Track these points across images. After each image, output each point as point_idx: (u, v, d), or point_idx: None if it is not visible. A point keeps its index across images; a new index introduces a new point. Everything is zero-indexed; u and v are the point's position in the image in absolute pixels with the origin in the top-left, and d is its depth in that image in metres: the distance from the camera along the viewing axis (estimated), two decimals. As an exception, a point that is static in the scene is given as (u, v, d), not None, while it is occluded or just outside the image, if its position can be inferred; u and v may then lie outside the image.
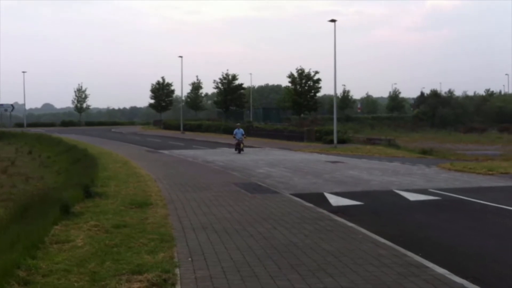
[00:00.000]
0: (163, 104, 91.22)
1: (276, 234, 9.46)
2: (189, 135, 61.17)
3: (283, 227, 10.12)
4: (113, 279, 6.59)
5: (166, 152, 33.54)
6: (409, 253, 8.14)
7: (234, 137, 33.93)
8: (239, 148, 33.33)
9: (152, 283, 6.37)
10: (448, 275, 6.95)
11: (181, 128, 68.23)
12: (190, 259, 7.69)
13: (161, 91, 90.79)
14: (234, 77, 79.06)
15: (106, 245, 8.36)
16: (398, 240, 9.24)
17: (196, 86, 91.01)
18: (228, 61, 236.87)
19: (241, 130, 34.32)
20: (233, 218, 10.98)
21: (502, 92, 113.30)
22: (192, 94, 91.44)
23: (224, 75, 79.27)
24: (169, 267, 7.10)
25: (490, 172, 20.49)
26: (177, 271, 7.02)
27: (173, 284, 6.44)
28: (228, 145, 41.87)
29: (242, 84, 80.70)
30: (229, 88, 77.95)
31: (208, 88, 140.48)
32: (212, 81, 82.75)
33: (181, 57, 69.36)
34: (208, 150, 36.33)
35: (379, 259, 7.74)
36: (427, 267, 7.32)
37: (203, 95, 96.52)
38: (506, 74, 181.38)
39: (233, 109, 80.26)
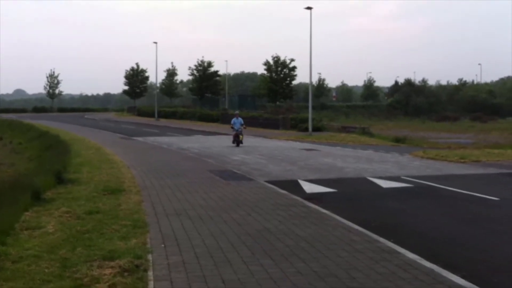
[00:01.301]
0: (138, 90, 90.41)
1: (250, 220, 9.46)
2: (163, 122, 60.76)
3: (257, 213, 10.13)
4: (84, 265, 6.51)
5: (140, 139, 33.26)
6: (381, 239, 8.22)
7: (232, 128, 29.33)
8: (237, 140, 28.67)
9: (124, 269, 6.31)
10: (419, 260, 7.05)
11: (156, 115, 67.72)
12: (163, 245, 7.65)
13: (136, 77, 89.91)
14: (210, 64, 78.71)
15: (78, 231, 8.26)
16: (371, 226, 9.33)
17: (171, 73, 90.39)
18: (203, 48, 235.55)
19: (240, 120, 29.37)
20: (207, 205, 10.95)
21: (475, 82, 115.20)
22: (167, 81, 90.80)
23: (200, 62, 78.91)
24: (142, 253, 7.05)
25: (462, 160, 20.82)
26: (149, 257, 6.97)
27: (146, 270, 6.39)
28: (203, 133, 41.81)
29: (217, 71, 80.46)
30: (205, 75, 77.59)
31: (184, 75, 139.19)
32: (187, 67, 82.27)
33: (155, 43, 68.68)
34: (183, 137, 36.15)
35: (351, 244, 7.81)
36: (399, 253, 7.41)
37: (178, 82, 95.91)
38: (479, 64, 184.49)
39: (208, 96, 79.96)
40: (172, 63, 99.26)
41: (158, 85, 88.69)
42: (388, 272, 6.49)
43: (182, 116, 65.10)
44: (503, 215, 11.05)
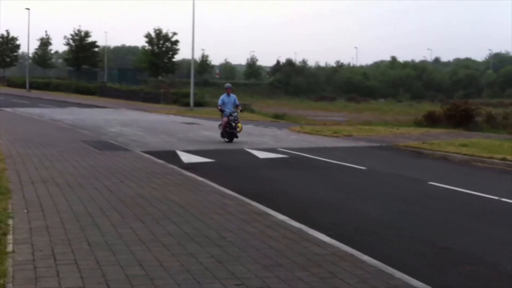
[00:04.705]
0: (7, 60, 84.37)
1: (123, 188, 9.17)
2: (35, 93, 57.27)
3: (131, 181, 9.86)
4: None
5: (9, 109, 31.04)
6: (254, 203, 8.34)
7: (220, 110, 18.43)
8: (231, 133, 18.07)
9: (-21, 233, 5.83)
10: (288, 220, 7.24)
11: (27, 86, 63.69)
12: (26, 210, 7.18)
13: (5, 45, 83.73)
14: (87, 34, 75.09)
15: None
16: (245, 192, 9.43)
17: (45, 42, 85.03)
18: (81, 18, 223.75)
19: (234, 97, 18.75)
20: (77, 173, 10.45)
21: (351, 64, 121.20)
22: (40, 51, 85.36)
23: (76, 32, 75.03)
24: (2, 218, 6.55)
25: (335, 135, 21.77)
26: (10, 221, 6.51)
27: (5, 234, 5.95)
28: (79, 105, 40.02)
29: (95, 42, 77.08)
30: (81, 45, 73.94)
31: (59, 45, 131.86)
32: (63, 37, 77.86)
33: (28, 9, 64.24)
34: (56, 109, 34.35)
35: (224, 208, 7.84)
36: (270, 214, 7.57)
37: (52, 52, 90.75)
38: (355, 47, 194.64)
39: (85, 68, 76.51)
40: (46, 31, 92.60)
41: (30, 55, 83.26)
42: (258, 231, 6.59)
43: (56, 88, 61.84)
44: (370, 183, 11.69)
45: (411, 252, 6.64)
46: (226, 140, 18.14)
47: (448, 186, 11.15)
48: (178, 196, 8.65)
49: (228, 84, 19.85)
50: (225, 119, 18.09)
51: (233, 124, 18.01)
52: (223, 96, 18.83)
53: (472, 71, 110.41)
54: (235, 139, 18.10)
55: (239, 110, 18.79)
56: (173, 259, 5.41)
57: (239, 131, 18.20)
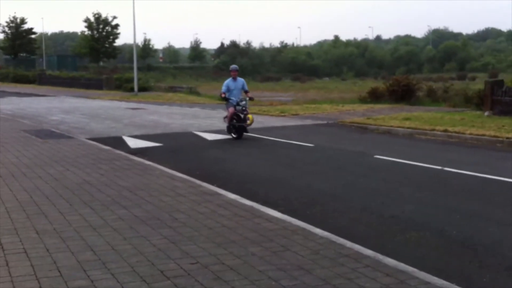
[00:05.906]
0: None
1: (68, 175, 8.95)
2: (-29, 84, 54.96)
3: (77, 168, 9.63)
4: None
5: None
6: (204, 184, 8.33)
7: (225, 98, 15.02)
8: (240, 126, 14.63)
9: None
10: (239, 199, 7.27)
11: (-38, 77, 61.01)
12: (-34, 203, 6.91)
13: None
14: (23, 21, 72.54)
15: None
16: (195, 174, 9.41)
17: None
18: (16, 4, 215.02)
19: (242, 82, 15.36)
20: (20, 162, 10.13)
21: (295, 44, 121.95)
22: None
23: (12, 19, 72.27)
24: None
25: (282, 114, 21.93)
26: (-50, 215, 6.25)
27: None
28: (18, 94, 38.72)
29: (32, 28, 74.53)
30: (17, 33, 71.36)
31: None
32: (-2, 25, 74.84)
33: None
34: (-5, 99, 33.06)
35: (175, 190, 7.79)
36: (221, 194, 7.57)
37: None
38: (298, 27, 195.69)
39: (23, 56, 73.91)
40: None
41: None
42: (210, 211, 6.59)
43: (-7, 78, 59.51)
44: (317, 159, 11.86)
45: (360, 222, 6.80)
46: (234, 136, 14.67)
47: (393, 158, 11.45)
48: (127, 181, 8.52)
49: (233, 66, 15.77)
50: (231, 109, 14.68)
51: (242, 116, 14.56)
52: (227, 81, 15.17)
53: (412, 48, 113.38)
54: (245, 134, 14.71)
55: (248, 98, 15.17)
56: (125, 243, 5.35)
57: (250, 124, 14.59)
